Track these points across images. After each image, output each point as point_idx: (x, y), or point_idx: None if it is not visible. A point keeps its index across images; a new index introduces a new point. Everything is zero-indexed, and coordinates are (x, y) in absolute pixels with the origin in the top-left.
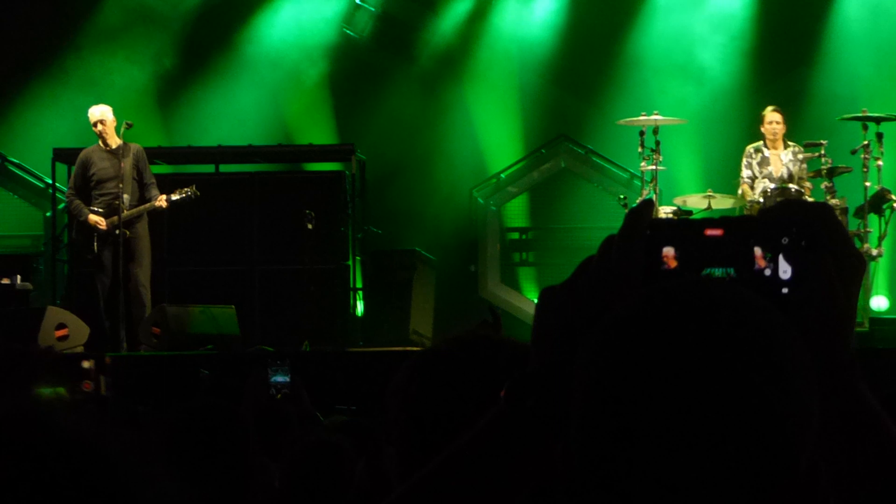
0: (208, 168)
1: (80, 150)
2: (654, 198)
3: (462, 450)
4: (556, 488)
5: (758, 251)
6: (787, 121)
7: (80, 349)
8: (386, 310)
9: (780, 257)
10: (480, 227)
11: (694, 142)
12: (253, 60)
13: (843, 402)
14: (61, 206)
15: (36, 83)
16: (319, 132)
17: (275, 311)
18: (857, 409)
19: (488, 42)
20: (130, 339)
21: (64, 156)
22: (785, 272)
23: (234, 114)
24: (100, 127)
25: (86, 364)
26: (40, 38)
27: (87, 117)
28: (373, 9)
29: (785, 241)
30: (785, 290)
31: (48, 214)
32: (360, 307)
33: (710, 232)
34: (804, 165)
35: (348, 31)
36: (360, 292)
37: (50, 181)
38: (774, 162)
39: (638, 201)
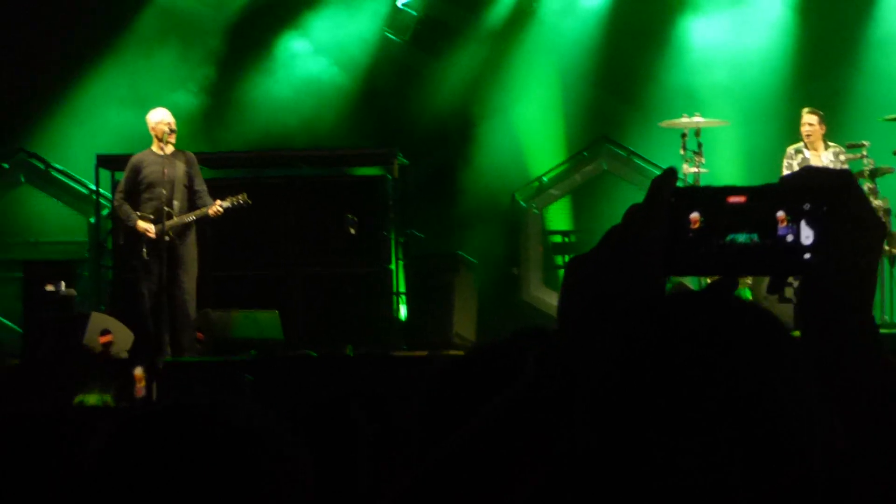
0: (249, 172)
1: (124, 156)
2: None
3: (482, 426)
4: (562, 477)
5: (781, 215)
6: (827, 121)
7: (124, 355)
8: (428, 313)
9: (802, 223)
10: (522, 229)
11: (736, 143)
12: (294, 64)
13: (863, 365)
14: (105, 212)
15: (79, 89)
16: (361, 136)
17: (318, 315)
18: (878, 372)
19: (529, 44)
20: (174, 345)
21: (107, 162)
22: (807, 238)
23: (275, 118)
24: (164, 128)
25: (138, 371)
26: (82, 45)
27: (147, 119)
28: (414, 12)
29: (806, 206)
30: (807, 256)
31: (92, 220)
32: (402, 311)
33: (732, 199)
34: (846, 166)
35: (390, 35)
36: (403, 296)
37: (94, 187)
38: (815, 163)
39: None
